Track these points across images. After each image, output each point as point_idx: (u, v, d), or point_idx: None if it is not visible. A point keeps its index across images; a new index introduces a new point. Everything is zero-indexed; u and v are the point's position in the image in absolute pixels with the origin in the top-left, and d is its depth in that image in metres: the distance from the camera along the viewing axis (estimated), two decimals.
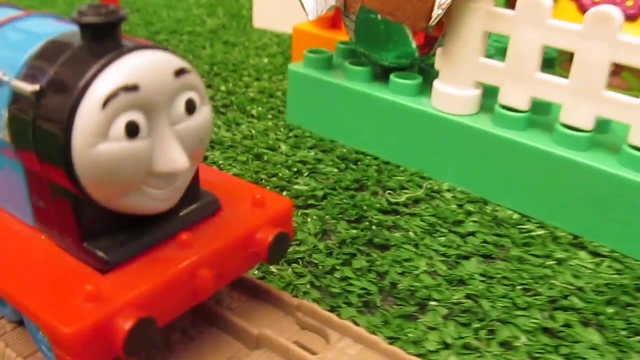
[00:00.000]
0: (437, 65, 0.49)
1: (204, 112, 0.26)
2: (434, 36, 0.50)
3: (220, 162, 0.50)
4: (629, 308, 0.36)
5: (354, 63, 0.54)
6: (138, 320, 0.23)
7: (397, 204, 0.45)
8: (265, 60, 0.75)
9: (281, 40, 0.83)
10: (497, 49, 0.61)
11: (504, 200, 0.46)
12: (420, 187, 0.48)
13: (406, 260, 0.39)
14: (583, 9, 0.54)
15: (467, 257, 0.40)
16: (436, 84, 0.49)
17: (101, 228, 0.26)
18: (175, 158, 0.25)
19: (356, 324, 0.33)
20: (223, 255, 0.28)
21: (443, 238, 0.41)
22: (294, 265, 0.38)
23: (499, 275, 0.38)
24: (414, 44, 0.50)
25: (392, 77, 0.52)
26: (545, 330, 0.34)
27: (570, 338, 0.34)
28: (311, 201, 0.45)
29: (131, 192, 0.25)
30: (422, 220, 0.43)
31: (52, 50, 0.25)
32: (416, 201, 0.46)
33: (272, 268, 0.38)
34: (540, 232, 0.43)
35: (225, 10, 0.98)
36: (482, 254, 0.40)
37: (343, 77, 0.55)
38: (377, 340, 0.29)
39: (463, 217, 0.44)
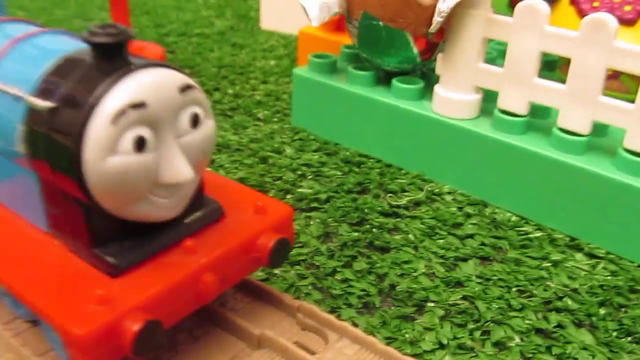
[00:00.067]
0: (437, 71, 0.50)
1: (208, 125, 0.28)
2: (435, 42, 0.51)
3: (227, 165, 0.52)
4: (621, 309, 0.37)
5: (357, 68, 0.55)
6: (146, 322, 0.25)
7: (398, 206, 0.46)
8: (272, 62, 0.76)
9: (288, 42, 0.84)
10: (499, 51, 0.62)
11: (503, 202, 0.48)
12: (422, 189, 0.49)
13: (405, 262, 0.40)
14: (582, 14, 0.55)
15: (465, 259, 0.41)
16: (437, 88, 0.50)
17: (111, 235, 0.28)
18: (180, 169, 0.26)
19: (355, 324, 0.35)
20: (226, 260, 0.29)
21: (442, 240, 0.43)
22: (297, 267, 0.40)
23: (495, 277, 0.39)
24: (415, 50, 0.51)
25: (394, 81, 0.53)
26: (539, 331, 0.36)
27: (562, 339, 0.35)
28: (314, 204, 0.46)
29: (139, 202, 0.26)
30: (422, 223, 0.44)
31: (64, 67, 0.27)
32: (417, 204, 0.47)
33: (276, 270, 0.39)
34: (538, 234, 0.44)
35: (233, 12, 0.99)
36: (479, 256, 0.41)
37: (347, 81, 0.56)
38: (373, 341, 0.31)
39: (462, 220, 0.45)
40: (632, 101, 0.42)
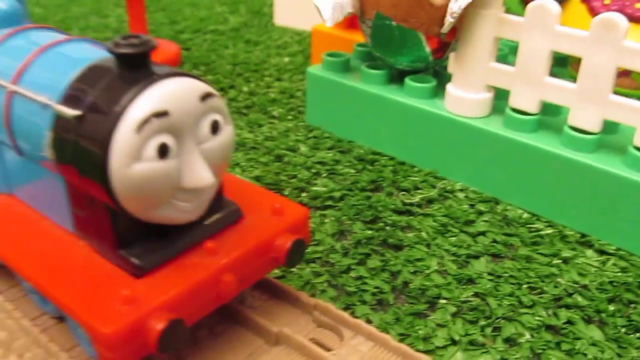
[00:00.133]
0: (450, 70, 0.51)
1: (227, 132, 0.29)
2: (447, 41, 0.52)
3: (243, 163, 0.53)
4: (631, 305, 0.38)
5: (370, 66, 0.56)
6: (169, 321, 0.26)
7: (411, 204, 0.47)
8: (286, 59, 0.77)
9: (302, 38, 0.85)
10: (512, 47, 0.62)
11: (514, 200, 0.48)
12: (434, 187, 0.50)
13: (418, 260, 0.41)
14: (593, 12, 0.55)
15: (476, 257, 0.42)
16: (449, 87, 0.51)
17: (135, 237, 0.29)
18: (201, 175, 0.27)
19: (369, 321, 0.36)
20: (245, 260, 0.30)
21: (454, 238, 0.44)
22: (312, 264, 0.41)
23: (506, 274, 0.40)
24: (427, 49, 0.52)
25: (407, 80, 0.54)
26: (549, 327, 0.36)
27: (572, 335, 0.36)
28: (329, 202, 0.47)
29: (162, 205, 0.28)
30: (434, 221, 0.45)
31: (90, 76, 0.28)
32: (429, 201, 0.48)
33: (292, 268, 0.40)
34: (549, 231, 0.45)
35: (247, 8, 1.00)
36: (491, 253, 0.42)
37: (360, 79, 0.57)
38: (387, 338, 0.32)
39: (474, 217, 0.46)
40: None
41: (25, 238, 0.32)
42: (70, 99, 0.28)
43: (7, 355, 0.33)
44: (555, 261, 0.42)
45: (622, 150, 0.45)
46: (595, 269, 0.41)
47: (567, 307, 0.38)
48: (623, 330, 0.36)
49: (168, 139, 0.26)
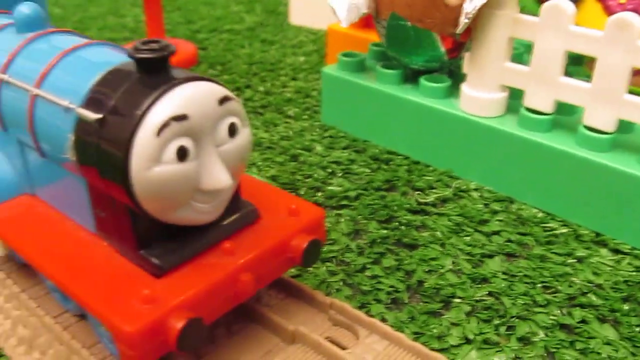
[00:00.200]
0: (464, 69, 0.51)
1: (244, 134, 0.30)
2: (462, 41, 0.52)
3: (259, 163, 0.53)
4: None
5: (385, 66, 0.57)
6: (189, 320, 0.27)
7: (425, 204, 0.48)
8: (302, 58, 0.78)
9: (317, 37, 0.85)
10: (526, 46, 0.62)
11: (529, 199, 0.49)
12: (449, 186, 0.50)
13: (433, 259, 0.42)
14: (609, 11, 0.55)
15: (491, 256, 0.42)
16: (464, 87, 0.51)
17: (155, 237, 0.30)
18: (219, 177, 0.28)
19: (384, 320, 0.36)
20: (262, 260, 0.31)
21: (469, 237, 0.44)
22: (328, 263, 0.41)
23: (520, 274, 0.40)
24: (442, 49, 0.52)
25: (421, 80, 0.54)
26: (563, 327, 0.37)
27: (586, 334, 0.36)
28: (344, 202, 0.48)
29: (181, 207, 0.28)
30: (449, 220, 0.46)
31: (111, 80, 0.28)
32: (444, 201, 0.48)
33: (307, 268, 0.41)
34: (564, 230, 0.45)
35: (263, 7, 1.01)
36: (505, 252, 0.43)
37: (375, 79, 0.57)
38: (401, 337, 0.32)
39: (489, 217, 0.46)
40: None
41: (48, 238, 0.32)
42: (91, 102, 0.28)
43: (30, 352, 0.34)
44: (570, 260, 0.42)
45: (637, 149, 0.45)
46: (610, 268, 0.41)
47: (582, 306, 0.38)
48: (637, 329, 0.36)
49: (187, 142, 0.27)
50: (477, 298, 0.38)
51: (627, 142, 0.46)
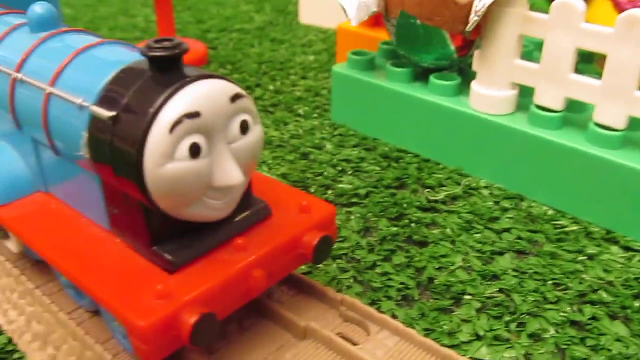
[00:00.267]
0: (474, 67, 0.51)
1: (256, 131, 0.30)
2: (472, 39, 0.52)
3: (270, 161, 0.54)
4: None
5: (395, 64, 0.57)
6: (201, 315, 0.27)
7: (435, 201, 0.48)
8: (311, 57, 0.78)
9: (326, 36, 0.86)
10: (536, 44, 0.62)
11: (539, 196, 0.49)
12: (459, 184, 0.50)
13: (443, 256, 0.42)
14: (619, 8, 0.55)
15: (501, 253, 0.42)
16: (473, 85, 0.51)
17: (168, 233, 0.30)
18: (231, 174, 0.28)
19: (395, 316, 0.37)
20: (273, 257, 0.31)
21: (479, 234, 0.44)
22: (338, 260, 0.41)
23: (530, 271, 0.40)
24: (452, 47, 0.52)
25: (431, 78, 0.54)
26: (573, 323, 0.37)
27: (596, 330, 0.36)
28: (354, 199, 0.48)
29: (194, 203, 0.29)
30: (459, 217, 0.46)
31: (124, 79, 0.29)
32: (454, 198, 0.48)
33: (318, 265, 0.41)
34: (574, 227, 0.45)
35: (272, 6, 1.01)
36: (515, 249, 0.43)
37: (385, 77, 0.57)
38: (412, 333, 0.32)
39: (499, 214, 0.46)
40: None
41: (62, 235, 0.33)
42: (105, 100, 0.29)
43: (45, 348, 0.34)
44: (580, 257, 0.42)
45: None
46: (621, 265, 0.41)
47: (592, 303, 0.38)
48: None
49: (199, 139, 0.27)
50: (488, 295, 0.38)
51: (638, 139, 0.46)
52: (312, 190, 0.49)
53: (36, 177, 0.36)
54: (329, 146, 0.56)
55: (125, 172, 0.28)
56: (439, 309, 0.37)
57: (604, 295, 0.39)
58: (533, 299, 0.38)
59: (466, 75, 0.55)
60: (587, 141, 0.46)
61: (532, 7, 0.48)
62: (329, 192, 0.49)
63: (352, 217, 0.46)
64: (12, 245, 0.37)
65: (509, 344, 0.35)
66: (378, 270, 0.41)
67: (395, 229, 0.44)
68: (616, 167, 0.44)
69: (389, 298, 0.38)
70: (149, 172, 0.27)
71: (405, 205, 0.47)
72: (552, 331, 0.36)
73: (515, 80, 0.50)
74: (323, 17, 0.89)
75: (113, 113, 0.28)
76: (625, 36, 0.43)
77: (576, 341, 0.35)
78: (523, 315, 0.37)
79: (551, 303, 0.38)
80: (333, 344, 0.32)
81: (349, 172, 0.52)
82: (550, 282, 0.40)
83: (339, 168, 0.52)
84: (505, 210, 0.47)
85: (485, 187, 0.50)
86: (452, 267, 0.41)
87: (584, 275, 0.40)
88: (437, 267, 0.41)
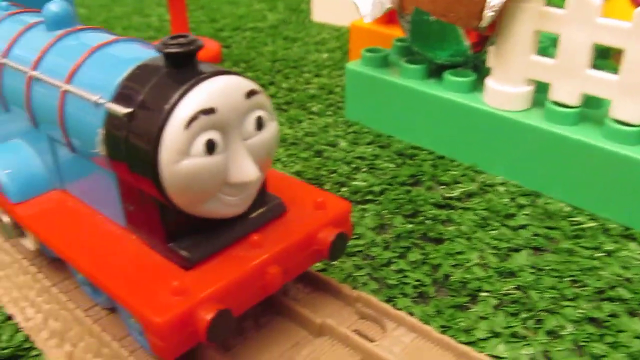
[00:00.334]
0: (489, 63, 0.51)
1: (271, 127, 0.30)
2: (486, 35, 0.52)
3: (284, 159, 0.54)
4: None
5: (409, 61, 0.57)
6: (218, 311, 0.27)
7: (450, 198, 0.48)
8: (325, 55, 0.78)
9: (340, 34, 0.85)
10: (552, 40, 0.62)
11: (556, 193, 0.48)
12: (474, 181, 0.50)
13: (459, 253, 0.41)
14: (636, 2, 0.54)
15: (517, 250, 0.42)
16: (488, 81, 0.51)
17: (184, 230, 0.30)
18: (247, 170, 0.28)
19: (411, 313, 0.36)
20: (289, 253, 0.31)
21: (495, 231, 0.44)
22: (354, 258, 0.41)
23: (548, 268, 0.40)
24: (466, 43, 0.52)
25: (446, 74, 0.54)
26: (592, 320, 0.36)
27: (615, 327, 0.36)
28: (369, 197, 0.48)
29: (209, 200, 0.29)
30: (474, 214, 0.45)
31: (140, 75, 0.29)
32: (469, 195, 0.48)
33: (334, 261, 0.41)
34: (591, 224, 0.45)
35: (285, 5, 1.01)
36: (532, 246, 0.42)
37: (399, 74, 0.57)
38: (429, 330, 0.32)
39: (515, 211, 0.46)
40: None
41: (79, 232, 0.33)
42: (121, 97, 0.29)
43: (62, 345, 0.34)
44: (598, 254, 0.41)
45: None
46: (639, 262, 0.41)
47: (610, 300, 0.38)
48: None
49: (215, 135, 0.27)
50: (504, 292, 0.38)
51: None
52: (326, 187, 0.49)
53: (52, 174, 0.36)
54: (343, 144, 0.56)
55: (141, 169, 0.28)
56: (456, 306, 0.37)
57: (623, 292, 0.38)
58: (550, 296, 0.38)
59: (481, 72, 0.55)
60: (604, 137, 0.46)
61: (548, 2, 0.48)
62: (344, 189, 0.49)
63: (367, 214, 0.46)
64: (29, 243, 0.38)
65: (526, 341, 0.35)
66: (393, 267, 0.40)
67: (410, 226, 0.44)
68: (633, 163, 0.44)
69: (405, 295, 0.38)
70: (164, 169, 0.27)
71: (420, 202, 0.47)
72: (570, 328, 0.36)
73: (531, 76, 0.49)
74: (336, 15, 0.89)
75: (129, 110, 0.28)
76: None
77: (595, 338, 0.35)
78: (540, 312, 0.37)
79: (569, 300, 0.38)
80: (349, 340, 0.32)
81: (364, 170, 0.52)
82: (567, 279, 0.39)
83: (354, 165, 0.52)
84: (521, 207, 0.47)
85: (501, 184, 0.50)
86: (468, 264, 0.40)
87: (601, 272, 0.40)
88: (453, 264, 0.40)
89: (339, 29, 0.88)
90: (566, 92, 0.47)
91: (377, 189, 0.49)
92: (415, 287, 0.39)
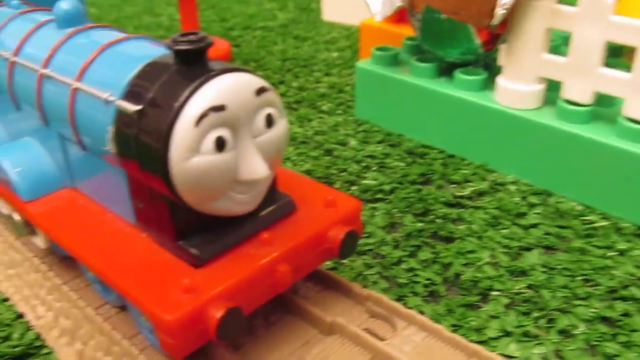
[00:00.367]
0: (500, 61, 0.51)
1: (281, 125, 0.30)
2: (498, 33, 0.51)
3: (294, 157, 0.54)
4: None
5: (419, 59, 0.56)
6: (228, 309, 0.27)
7: (461, 197, 0.47)
8: (335, 54, 0.78)
9: (350, 33, 0.85)
10: (564, 38, 0.61)
11: (567, 192, 0.48)
12: (485, 180, 0.50)
13: (470, 252, 0.41)
14: None
15: (529, 249, 0.42)
16: (500, 79, 0.51)
17: (193, 228, 0.30)
18: (257, 168, 0.28)
19: (422, 312, 0.36)
20: (299, 251, 0.31)
21: (506, 230, 0.43)
22: (364, 256, 0.41)
23: (560, 267, 0.40)
24: (477, 41, 0.52)
25: (456, 73, 0.53)
26: (604, 319, 0.36)
27: (628, 327, 0.35)
28: (379, 195, 0.48)
29: (219, 197, 0.28)
30: (485, 213, 0.45)
31: (150, 73, 0.29)
32: (480, 194, 0.48)
33: (344, 260, 0.41)
34: (604, 223, 0.45)
35: (295, 4, 1.01)
36: (544, 245, 0.42)
37: (409, 73, 0.57)
38: (440, 329, 0.32)
39: (526, 210, 0.46)
40: None
41: (90, 230, 0.33)
42: (131, 94, 0.29)
43: (72, 343, 0.34)
44: (610, 253, 0.41)
45: None
46: None
47: (623, 299, 0.37)
48: None
49: (225, 132, 0.27)
50: (516, 291, 0.38)
51: None
52: (336, 186, 0.49)
53: (63, 173, 0.36)
54: (353, 142, 0.56)
55: (150, 167, 0.28)
56: (467, 305, 0.37)
57: (636, 291, 0.38)
58: (562, 295, 0.37)
59: (492, 70, 0.54)
60: (617, 135, 0.45)
61: (560, 0, 0.47)
62: (354, 188, 0.49)
63: (377, 213, 0.45)
64: (39, 241, 0.38)
65: (538, 340, 0.35)
66: (404, 266, 0.40)
67: (420, 224, 0.44)
68: None
69: (416, 294, 0.38)
70: (174, 166, 0.27)
71: (430, 201, 0.46)
72: (582, 327, 0.35)
73: (543, 74, 0.49)
74: (346, 14, 0.89)
75: (139, 107, 0.28)
76: None
77: (607, 337, 0.35)
78: (552, 312, 0.36)
79: (581, 299, 0.37)
80: (360, 339, 0.32)
81: (374, 168, 0.51)
82: (579, 278, 0.39)
83: (364, 164, 0.52)
84: (532, 205, 0.46)
85: (512, 183, 0.49)
86: (479, 263, 0.40)
87: (614, 271, 0.39)
88: (463, 263, 0.40)
89: (349, 28, 0.88)
90: (578, 90, 0.47)
91: (387, 187, 0.48)
92: (425, 286, 0.38)
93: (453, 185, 0.49)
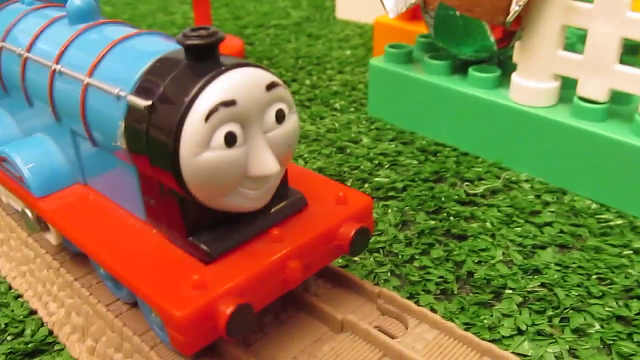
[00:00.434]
0: (515, 59, 0.50)
1: (292, 121, 0.29)
2: (512, 30, 0.51)
3: (306, 155, 0.53)
4: None
5: (433, 57, 0.56)
6: (238, 305, 0.27)
7: (474, 195, 0.47)
8: (348, 52, 0.77)
9: (363, 31, 0.85)
10: (579, 36, 0.61)
11: (582, 190, 0.47)
12: (499, 177, 0.49)
13: (483, 250, 0.41)
14: None
15: (543, 247, 0.41)
16: (514, 77, 0.50)
17: (204, 224, 0.30)
18: (267, 163, 0.28)
19: (434, 310, 0.36)
20: (310, 248, 0.30)
21: (519, 228, 0.43)
22: (376, 254, 0.41)
23: (574, 265, 0.39)
24: (492, 38, 0.51)
25: (470, 70, 0.53)
26: (620, 318, 0.36)
27: None
28: (391, 193, 0.47)
29: (230, 193, 0.28)
30: (499, 211, 0.45)
31: (160, 68, 0.29)
32: (494, 192, 0.47)
33: (355, 257, 0.40)
34: (619, 221, 0.44)
35: (309, 2, 1.01)
36: (558, 243, 0.42)
37: (423, 70, 0.56)
38: (452, 327, 0.32)
39: (540, 208, 0.45)
40: None
41: (100, 226, 0.33)
42: (141, 90, 0.29)
43: (84, 339, 0.34)
44: (626, 252, 0.41)
45: None
46: None
47: (639, 298, 0.37)
48: None
49: (235, 127, 0.27)
50: (529, 289, 0.37)
51: None
52: (348, 183, 0.49)
53: (75, 169, 0.36)
54: (365, 140, 0.56)
55: (161, 162, 0.28)
56: (479, 303, 0.37)
57: None
58: (577, 293, 0.37)
59: (506, 68, 0.54)
60: (633, 133, 0.45)
61: None
62: (366, 185, 0.49)
63: (389, 210, 0.45)
64: (51, 237, 0.38)
65: (552, 339, 0.34)
66: (416, 264, 0.40)
67: (433, 222, 0.44)
68: None
69: (428, 292, 0.38)
70: (184, 162, 0.27)
71: (443, 198, 0.46)
72: (597, 326, 0.35)
73: (558, 72, 0.48)
74: (360, 12, 0.89)
75: (149, 102, 0.28)
76: None
77: (623, 337, 0.34)
78: (567, 310, 0.36)
79: (596, 298, 0.37)
80: (371, 337, 0.31)
81: (386, 166, 0.51)
82: (594, 276, 0.38)
83: (376, 162, 0.52)
84: (547, 204, 0.46)
85: (526, 181, 0.49)
86: (492, 261, 0.40)
87: (630, 270, 0.39)
88: (476, 261, 0.40)
89: (363, 26, 0.87)
90: (594, 87, 0.46)
91: (399, 185, 0.48)
92: (438, 283, 0.38)
93: (466, 183, 0.48)
